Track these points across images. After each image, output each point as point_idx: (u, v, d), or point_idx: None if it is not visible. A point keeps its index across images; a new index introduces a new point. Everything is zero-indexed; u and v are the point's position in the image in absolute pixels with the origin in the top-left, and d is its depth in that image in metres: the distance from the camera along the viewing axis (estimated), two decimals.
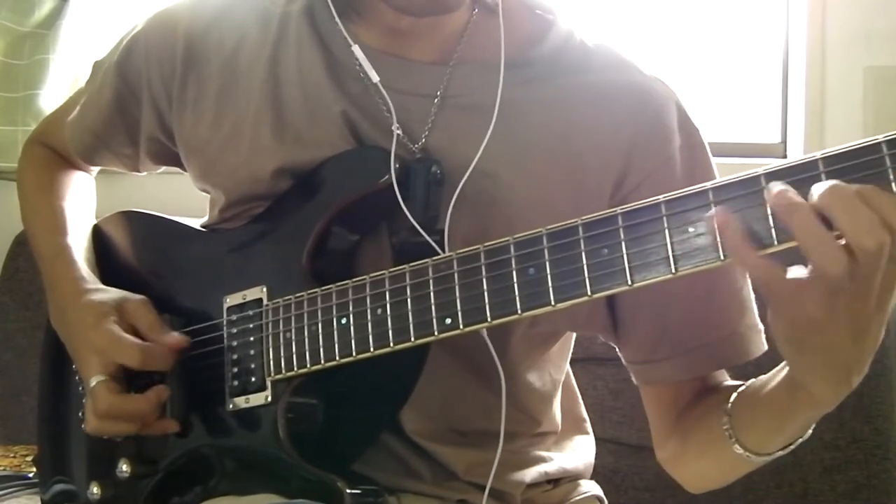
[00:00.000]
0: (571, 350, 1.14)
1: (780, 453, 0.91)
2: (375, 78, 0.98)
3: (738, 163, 1.85)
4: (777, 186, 0.70)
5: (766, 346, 1.01)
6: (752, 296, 1.01)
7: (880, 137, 0.67)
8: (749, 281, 1.01)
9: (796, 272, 0.72)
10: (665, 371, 1.02)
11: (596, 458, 1.18)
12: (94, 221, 1.21)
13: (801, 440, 0.90)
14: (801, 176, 0.70)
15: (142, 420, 0.99)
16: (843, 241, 0.69)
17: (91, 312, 1.03)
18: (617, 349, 1.07)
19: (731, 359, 1.01)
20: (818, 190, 0.68)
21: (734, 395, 0.93)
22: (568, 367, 1.16)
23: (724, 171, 0.77)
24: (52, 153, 1.26)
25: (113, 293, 1.05)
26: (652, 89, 1.01)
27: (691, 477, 1.04)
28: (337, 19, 1.01)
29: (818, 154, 0.69)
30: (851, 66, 1.86)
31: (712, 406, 0.97)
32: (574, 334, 1.13)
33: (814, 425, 0.89)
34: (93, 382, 0.99)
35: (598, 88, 1.00)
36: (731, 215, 0.72)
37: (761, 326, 1.02)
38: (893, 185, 0.66)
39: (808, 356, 0.78)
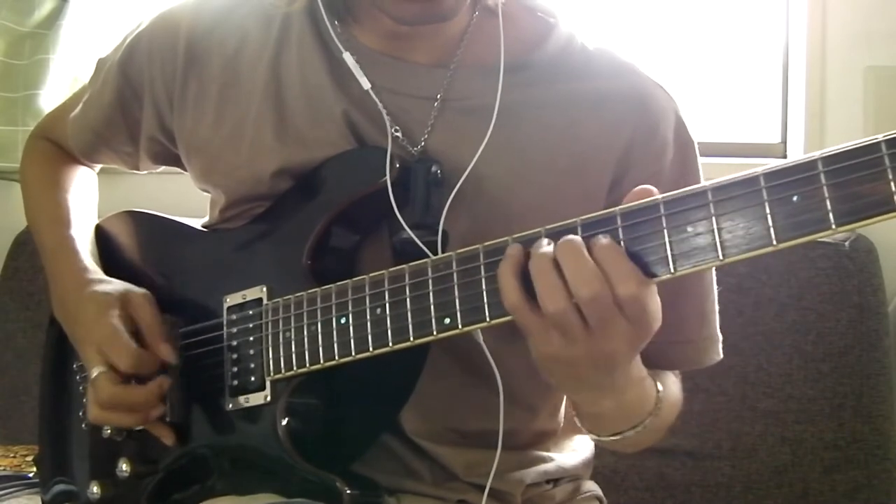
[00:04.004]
0: None
1: (629, 434, 0.94)
2: (367, 85, 0.99)
3: (738, 163, 1.85)
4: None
5: (720, 356, 1.04)
6: (716, 307, 1.05)
7: (880, 137, 0.67)
8: (715, 292, 1.05)
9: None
10: None
11: (596, 458, 1.18)
12: (97, 217, 1.22)
13: (638, 426, 0.94)
14: (800, 176, 0.70)
15: (143, 411, 1.00)
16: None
17: (94, 304, 1.03)
18: None
19: (682, 363, 1.06)
20: (557, 242, 0.77)
21: None
22: None
23: (724, 171, 0.77)
24: (56, 147, 1.26)
25: (117, 284, 1.06)
26: (652, 96, 1.01)
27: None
28: (330, 27, 1.02)
29: (817, 154, 0.69)
30: (851, 66, 1.85)
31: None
32: None
33: (645, 413, 0.93)
34: (94, 373, 0.99)
35: (598, 93, 1.00)
36: (518, 252, 0.79)
37: (719, 336, 1.06)
38: (892, 184, 0.66)
39: (556, 379, 0.86)
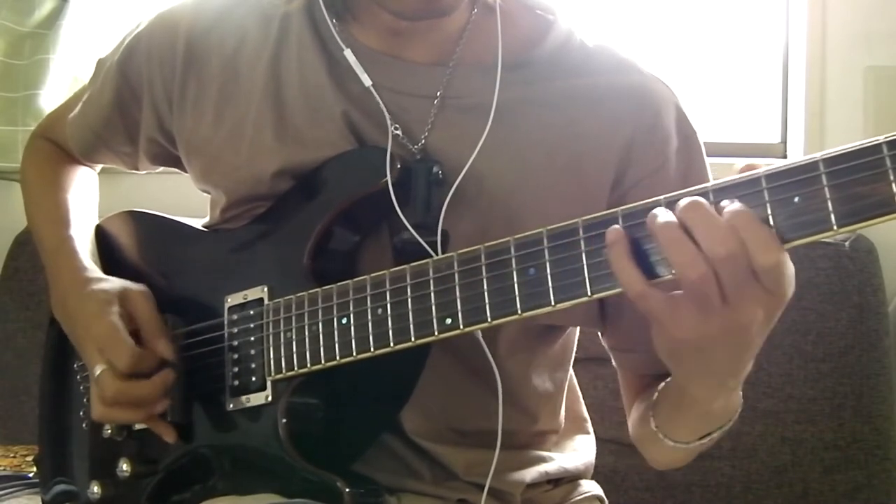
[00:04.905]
0: (575, 351, 1.14)
1: (714, 436, 0.94)
2: (368, 82, 0.99)
3: (739, 163, 1.85)
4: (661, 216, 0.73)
5: None
6: None
7: (881, 138, 0.67)
8: None
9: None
10: (638, 362, 1.05)
11: (596, 458, 1.18)
12: (97, 217, 1.22)
13: (727, 425, 0.93)
14: (801, 177, 0.70)
15: (149, 406, 1.00)
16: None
17: (93, 301, 1.03)
18: (599, 334, 1.09)
19: None
20: (680, 205, 0.72)
21: (655, 395, 0.97)
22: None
23: (725, 171, 0.77)
24: (56, 148, 1.26)
25: (115, 282, 1.06)
26: (652, 90, 1.01)
27: (654, 460, 1.05)
28: (330, 25, 1.02)
29: (818, 155, 0.69)
30: (851, 66, 1.86)
31: (646, 408, 1.01)
32: (577, 335, 1.13)
33: (736, 412, 0.93)
34: (97, 371, 0.99)
35: (597, 89, 1.00)
36: (623, 235, 0.75)
37: None
38: (893, 185, 0.66)
39: (685, 367, 0.83)
